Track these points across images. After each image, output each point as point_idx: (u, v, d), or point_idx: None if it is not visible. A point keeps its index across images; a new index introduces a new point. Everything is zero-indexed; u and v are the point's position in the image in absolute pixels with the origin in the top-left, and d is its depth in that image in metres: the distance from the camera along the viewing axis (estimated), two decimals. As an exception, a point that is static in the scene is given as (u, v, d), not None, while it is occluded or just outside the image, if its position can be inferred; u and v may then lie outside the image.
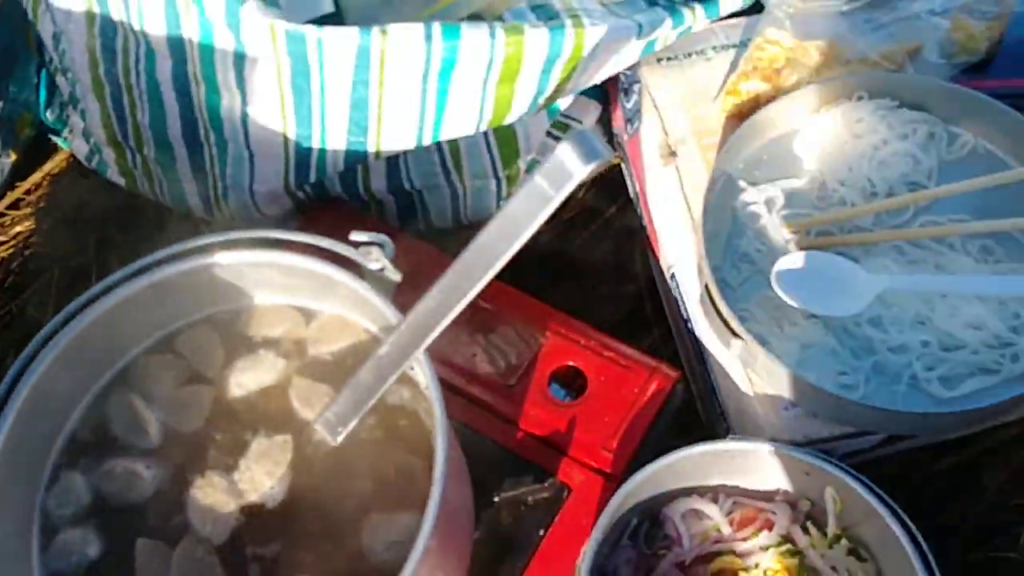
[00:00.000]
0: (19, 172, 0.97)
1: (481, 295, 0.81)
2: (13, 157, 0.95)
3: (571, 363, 0.79)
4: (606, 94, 0.93)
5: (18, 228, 0.95)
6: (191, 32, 0.66)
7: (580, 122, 0.94)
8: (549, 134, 0.93)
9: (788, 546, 0.74)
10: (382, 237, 0.63)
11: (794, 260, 0.77)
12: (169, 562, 0.59)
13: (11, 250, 0.94)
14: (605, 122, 0.96)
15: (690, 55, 0.91)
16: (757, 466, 0.74)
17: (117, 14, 0.70)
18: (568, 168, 0.52)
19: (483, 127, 0.72)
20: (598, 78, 0.73)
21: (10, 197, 0.96)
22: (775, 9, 0.81)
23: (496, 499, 0.74)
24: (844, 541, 0.73)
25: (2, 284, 0.93)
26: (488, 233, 0.55)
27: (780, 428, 0.76)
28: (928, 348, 0.75)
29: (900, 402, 0.74)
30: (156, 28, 0.68)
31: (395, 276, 0.62)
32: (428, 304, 0.58)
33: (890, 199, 0.81)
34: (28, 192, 0.97)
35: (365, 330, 0.67)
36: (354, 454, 0.63)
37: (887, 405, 0.73)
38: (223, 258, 0.63)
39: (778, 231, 0.81)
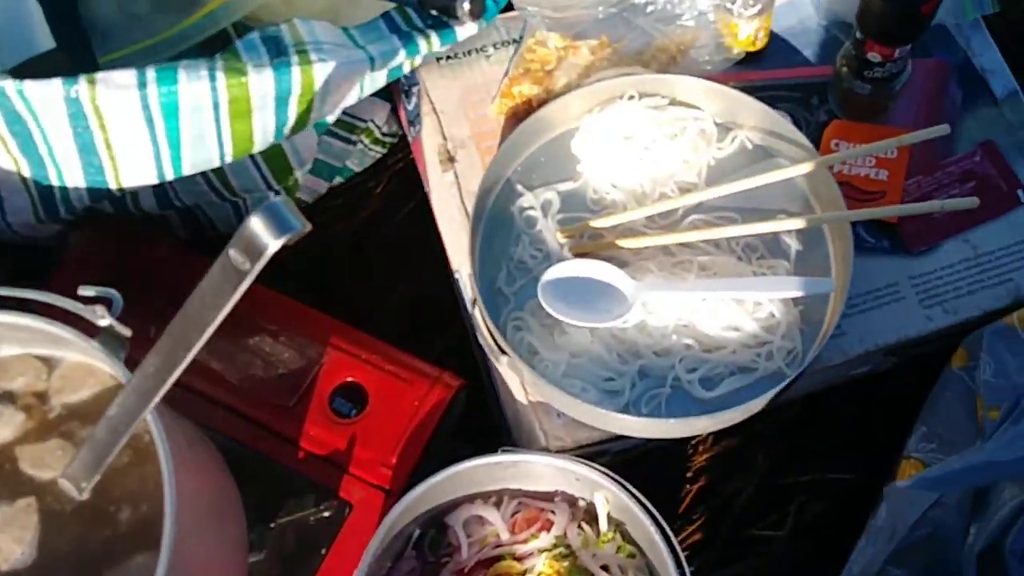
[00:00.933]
0: None
1: (261, 311, 0.83)
2: None
3: (351, 379, 0.81)
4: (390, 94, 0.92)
5: None
6: None
7: (368, 120, 0.93)
8: (335, 135, 0.93)
9: (562, 548, 0.77)
10: (111, 292, 0.62)
11: (562, 269, 0.79)
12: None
13: None
14: (396, 120, 0.95)
15: (469, 53, 0.90)
16: (532, 472, 0.77)
17: None
18: (260, 242, 0.52)
19: (228, 159, 0.70)
20: (344, 104, 0.72)
21: None
22: (530, 19, 0.81)
23: (275, 523, 0.76)
24: (615, 539, 0.77)
25: None
26: (191, 304, 0.55)
27: (552, 435, 0.78)
28: (690, 351, 0.78)
29: (664, 406, 0.77)
30: None
31: (125, 332, 0.62)
32: (147, 369, 0.58)
33: (659, 202, 0.82)
34: None
35: (111, 376, 0.67)
36: (99, 504, 0.63)
37: (652, 411, 0.76)
38: None
39: (553, 236, 0.82)
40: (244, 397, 0.79)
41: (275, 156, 0.80)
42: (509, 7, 0.87)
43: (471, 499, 0.78)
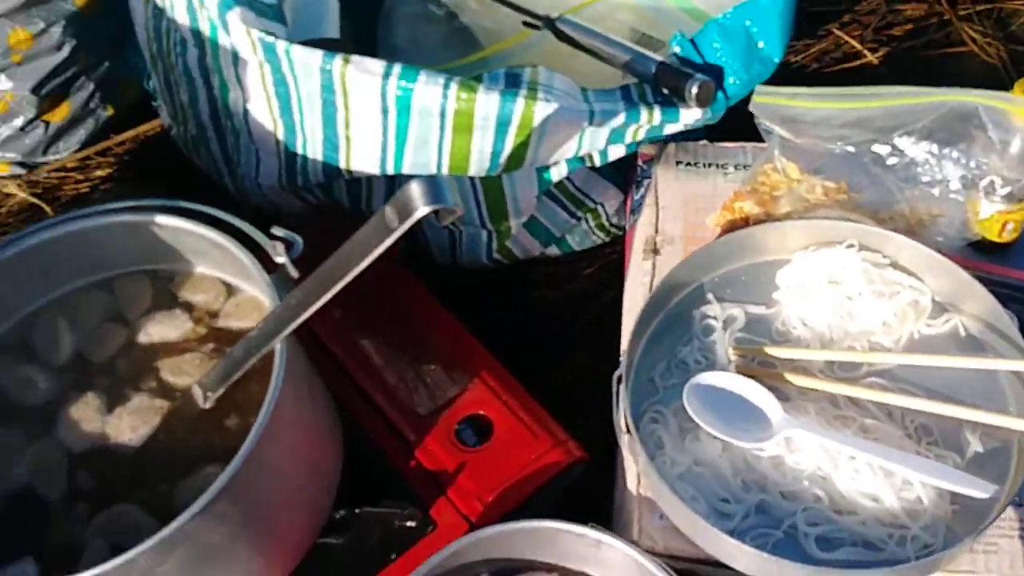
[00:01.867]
0: (117, 127, 1.11)
1: (433, 328, 0.88)
2: (111, 111, 1.09)
3: (484, 413, 0.83)
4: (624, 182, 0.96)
5: (98, 172, 1.09)
6: (204, 26, 0.76)
7: (598, 202, 0.97)
8: (562, 204, 0.97)
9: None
10: (294, 236, 0.69)
11: (717, 377, 0.77)
12: (25, 452, 0.68)
13: (87, 188, 1.08)
14: (623, 213, 0.98)
15: (709, 165, 0.92)
16: (610, 559, 0.74)
17: (154, 20, 0.81)
18: (412, 205, 0.56)
19: (444, 170, 0.77)
20: (560, 153, 0.76)
21: (101, 145, 1.10)
22: (769, 140, 0.81)
23: (362, 511, 0.78)
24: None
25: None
26: (342, 251, 0.60)
27: (646, 533, 0.75)
28: (819, 504, 0.72)
29: (771, 547, 0.71)
30: (182, 17, 0.78)
31: (294, 273, 0.68)
32: (289, 301, 0.64)
33: (843, 352, 0.79)
34: (119, 144, 1.11)
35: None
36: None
37: (757, 547, 0.71)
38: (162, 220, 0.72)
39: (725, 350, 0.81)
40: (385, 392, 0.84)
41: (494, 196, 0.86)
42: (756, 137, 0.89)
43: (542, 567, 0.77)
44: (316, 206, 0.92)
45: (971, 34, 1.10)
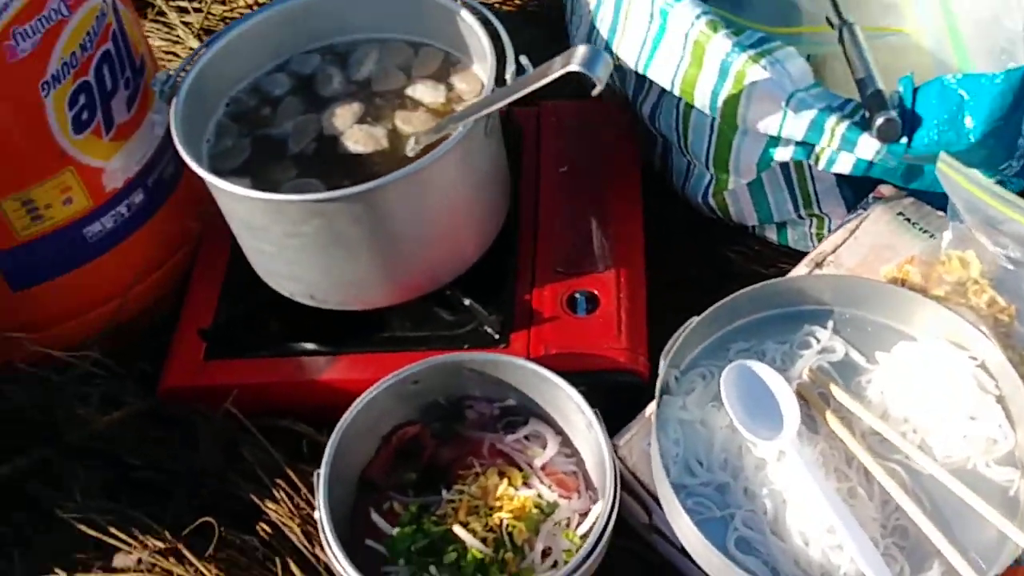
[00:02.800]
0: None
1: (621, 214, 1.02)
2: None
3: (598, 294, 0.96)
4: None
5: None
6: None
7: (826, 212, 1.02)
8: (791, 194, 1.03)
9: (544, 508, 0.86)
10: (526, 62, 0.86)
11: (766, 372, 0.83)
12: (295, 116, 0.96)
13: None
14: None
15: (925, 231, 0.94)
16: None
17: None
18: (570, 60, 0.72)
19: (676, 90, 0.89)
20: (761, 122, 0.84)
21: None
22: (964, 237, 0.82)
23: (468, 301, 0.96)
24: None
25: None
26: (523, 78, 0.79)
27: (629, 445, 0.86)
28: (763, 515, 0.79)
29: (702, 519, 0.79)
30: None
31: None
32: (483, 101, 0.83)
33: (892, 431, 0.81)
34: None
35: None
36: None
37: (693, 511, 0.79)
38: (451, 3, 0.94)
39: (804, 368, 0.86)
40: (550, 229, 1.01)
41: (722, 146, 0.96)
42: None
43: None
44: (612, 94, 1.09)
45: None
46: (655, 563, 0.89)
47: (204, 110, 0.96)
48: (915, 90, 0.81)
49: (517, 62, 0.87)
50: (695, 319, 0.88)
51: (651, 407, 0.88)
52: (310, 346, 0.97)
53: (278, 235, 0.89)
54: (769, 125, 0.86)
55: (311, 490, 0.91)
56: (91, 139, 0.96)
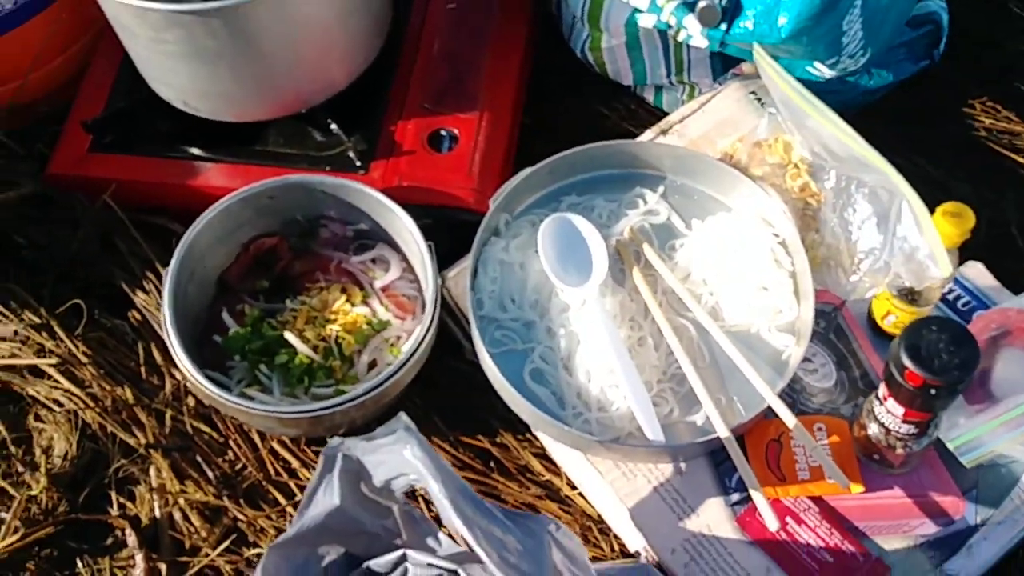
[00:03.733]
0: None
1: (502, 56, 1.04)
2: None
3: (459, 133, 1.02)
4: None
5: None
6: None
7: (695, 82, 1.07)
8: (668, 65, 1.08)
9: (374, 325, 0.95)
10: None
11: (585, 225, 0.91)
12: None
13: None
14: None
15: (761, 102, 1.00)
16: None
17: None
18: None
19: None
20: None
21: None
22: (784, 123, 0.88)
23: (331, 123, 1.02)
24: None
25: None
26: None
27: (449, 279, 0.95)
28: (557, 353, 0.88)
29: (503, 351, 0.88)
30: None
31: None
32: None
33: (687, 293, 0.90)
34: None
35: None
36: None
37: (496, 342, 0.89)
38: None
39: (627, 225, 0.94)
40: (428, 60, 1.05)
41: (595, 5, 1.00)
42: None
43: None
44: None
45: None
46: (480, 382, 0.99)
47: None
48: (750, -15, 0.85)
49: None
50: (529, 169, 0.95)
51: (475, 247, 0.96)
52: (188, 150, 1.04)
53: (145, 40, 0.94)
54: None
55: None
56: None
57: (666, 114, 1.11)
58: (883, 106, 1.06)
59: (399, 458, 0.69)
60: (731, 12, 0.85)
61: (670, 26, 0.95)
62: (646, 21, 0.97)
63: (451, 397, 0.97)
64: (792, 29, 0.84)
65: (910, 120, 1.09)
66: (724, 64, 1.05)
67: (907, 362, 0.72)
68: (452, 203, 0.99)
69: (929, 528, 0.81)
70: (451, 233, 0.98)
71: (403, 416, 0.70)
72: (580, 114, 1.15)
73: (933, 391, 0.72)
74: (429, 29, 1.09)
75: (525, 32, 1.11)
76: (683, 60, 1.07)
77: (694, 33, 0.88)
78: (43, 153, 1.11)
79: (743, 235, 0.92)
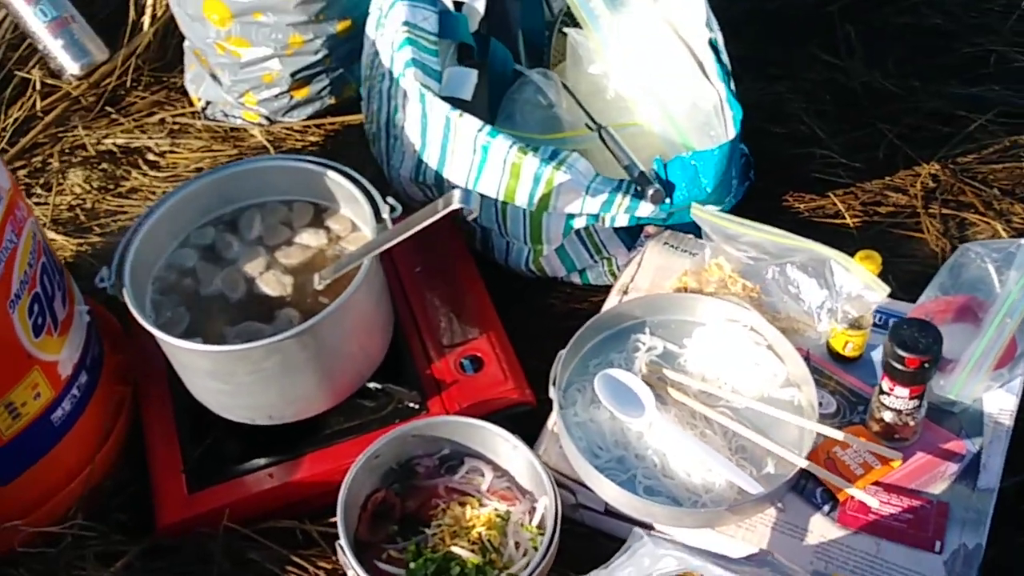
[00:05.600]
0: (332, 112, 1.64)
1: (471, 294, 1.33)
2: (333, 101, 1.62)
3: (480, 355, 1.27)
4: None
5: (311, 137, 1.61)
6: (396, 69, 1.24)
7: (612, 254, 1.40)
8: (585, 246, 1.40)
9: (500, 520, 1.16)
10: (397, 204, 1.16)
11: (621, 374, 1.18)
12: (218, 275, 1.20)
13: (300, 145, 1.60)
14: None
15: (686, 252, 1.34)
16: (514, 457, 1.17)
17: (378, 48, 1.31)
18: (451, 200, 1.02)
19: (500, 196, 1.23)
20: (569, 207, 1.21)
21: (319, 120, 1.62)
22: (711, 247, 1.24)
23: (384, 386, 1.23)
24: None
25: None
26: (411, 217, 1.07)
27: (548, 453, 1.17)
28: (654, 468, 1.13)
29: (617, 482, 1.12)
30: (386, 60, 1.27)
31: (390, 224, 1.15)
32: (377, 240, 1.11)
33: (711, 386, 1.19)
34: (331, 124, 1.63)
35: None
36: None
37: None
38: (332, 175, 1.21)
39: (641, 363, 1.22)
40: (426, 320, 1.30)
41: (535, 225, 1.32)
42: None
43: (479, 457, 1.20)
44: (427, 199, 1.40)
45: (930, 227, 1.47)
46: (583, 533, 1.20)
47: (139, 294, 1.17)
48: (664, 166, 1.21)
49: (387, 203, 1.16)
50: (562, 352, 1.21)
51: (551, 422, 1.21)
52: (273, 455, 1.20)
53: (241, 375, 1.12)
54: (572, 207, 1.23)
55: (317, 568, 1.14)
56: (46, 339, 1.13)
57: (594, 287, 1.44)
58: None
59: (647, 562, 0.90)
60: (667, 189, 1.20)
61: (598, 218, 1.27)
62: (579, 223, 1.29)
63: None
64: (712, 185, 1.21)
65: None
66: (628, 234, 1.39)
67: (904, 352, 1.05)
68: (507, 404, 1.23)
69: (952, 468, 1.13)
70: (508, 424, 1.22)
71: (634, 529, 0.92)
72: (532, 309, 1.43)
73: (926, 365, 1.06)
74: (410, 290, 1.35)
75: (475, 265, 1.40)
76: (598, 243, 1.40)
77: (645, 213, 1.22)
78: (121, 520, 1.22)
79: (723, 335, 1.23)
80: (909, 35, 1.75)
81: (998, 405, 1.18)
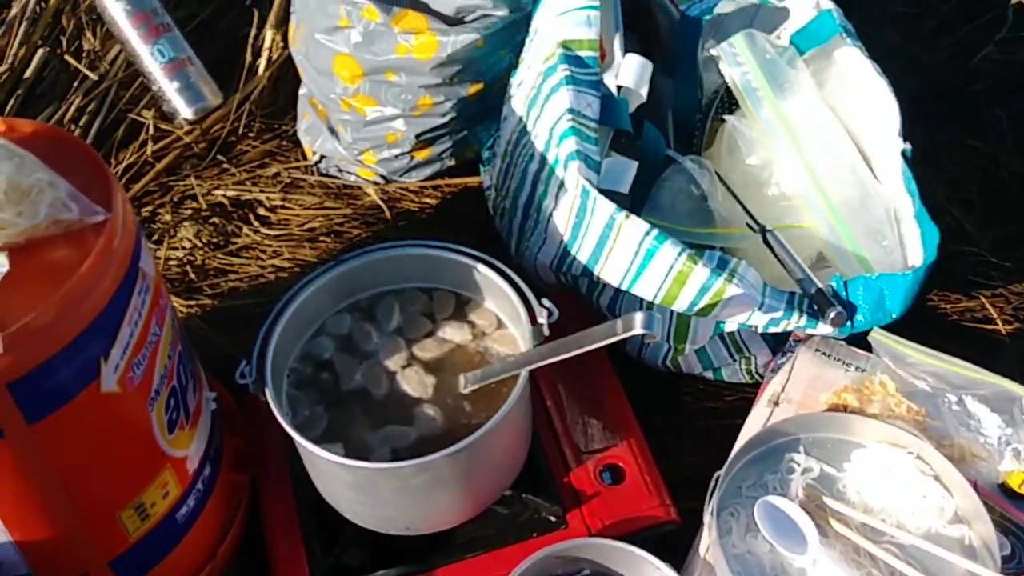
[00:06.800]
0: (451, 174, 1.56)
1: (609, 397, 1.26)
2: (453, 162, 1.54)
3: (622, 465, 1.20)
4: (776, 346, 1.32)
5: (427, 199, 1.54)
6: (551, 157, 1.17)
7: (753, 353, 1.33)
8: (726, 345, 1.33)
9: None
10: (554, 308, 1.08)
11: (783, 503, 1.11)
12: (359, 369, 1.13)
13: (416, 207, 1.53)
14: (766, 365, 1.34)
15: (839, 361, 1.26)
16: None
17: (528, 128, 1.24)
18: (633, 324, 0.95)
19: (658, 301, 1.15)
20: (735, 319, 1.13)
21: (437, 181, 1.55)
22: (878, 364, 1.16)
23: (524, 495, 1.16)
24: None
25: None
26: (582, 334, 1.00)
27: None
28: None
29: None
30: (540, 145, 1.20)
31: (546, 332, 1.08)
32: (540, 350, 1.04)
33: (876, 520, 1.11)
34: (448, 185, 1.55)
35: (518, 350, 1.14)
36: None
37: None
38: (482, 268, 1.13)
39: (797, 487, 1.14)
40: (564, 427, 1.23)
41: (682, 325, 1.24)
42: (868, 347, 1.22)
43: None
44: (561, 286, 1.33)
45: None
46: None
47: (276, 390, 1.10)
48: (845, 284, 1.14)
49: (543, 306, 1.09)
50: (718, 473, 1.14)
51: (703, 549, 1.13)
52: (402, 568, 1.13)
53: (386, 490, 1.05)
54: (739, 319, 1.15)
55: None
56: (179, 434, 1.06)
57: (729, 383, 1.36)
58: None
59: None
60: (848, 310, 1.12)
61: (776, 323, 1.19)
62: (731, 327, 1.21)
63: None
64: (900, 311, 1.13)
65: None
66: (772, 335, 1.31)
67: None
68: (652, 523, 1.16)
69: None
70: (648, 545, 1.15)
71: None
72: (669, 407, 1.36)
73: None
74: (543, 383, 1.27)
75: (607, 361, 1.33)
76: (739, 342, 1.33)
77: (823, 333, 1.14)
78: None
79: (886, 461, 1.15)
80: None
81: None
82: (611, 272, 1.17)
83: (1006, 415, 1.11)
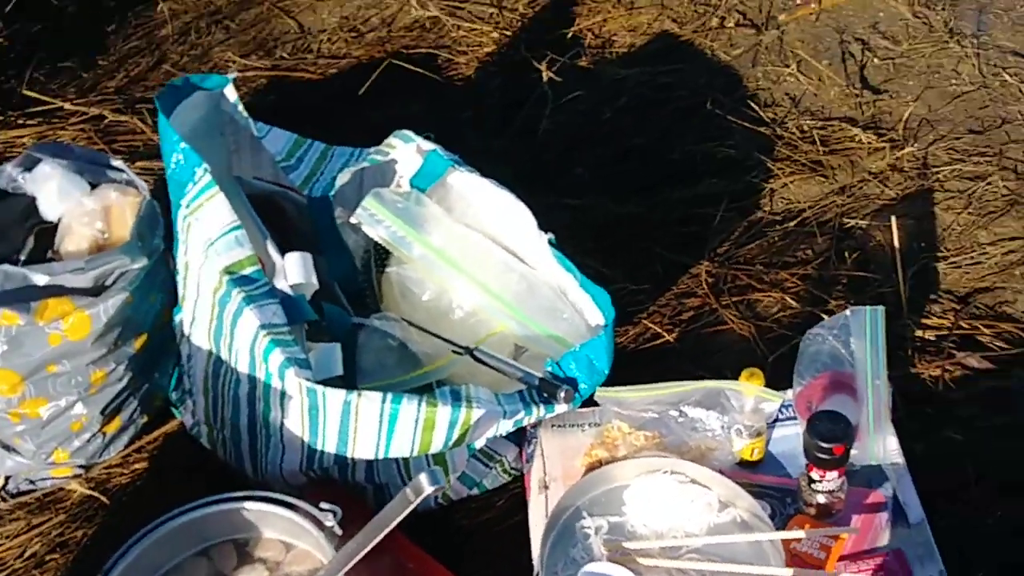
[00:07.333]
0: (147, 429, 1.52)
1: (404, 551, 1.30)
2: (145, 418, 1.50)
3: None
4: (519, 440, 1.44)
5: (136, 465, 1.48)
6: (261, 374, 1.21)
7: (503, 455, 1.44)
8: (479, 459, 1.43)
9: None
10: (336, 508, 1.12)
11: (596, 566, 1.23)
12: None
13: (128, 479, 1.47)
14: (520, 460, 1.45)
15: (573, 426, 1.42)
16: None
17: (224, 357, 1.27)
18: (423, 487, 1.02)
19: (415, 453, 1.22)
20: (486, 436, 1.24)
21: (137, 444, 1.50)
22: (607, 411, 1.33)
23: None
24: None
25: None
26: (380, 516, 1.05)
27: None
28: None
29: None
30: (244, 367, 1.23)
31: (338, 531, 1.11)
32: (347, 550, 1.07)
33: (669, 540, 1.27)
34: (150, 443, 1.51)
35: (322, 560, 1.15)
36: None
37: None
38: (249, 505, 1.13)
39: (599, 547, 1.27)
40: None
41: (440, 460, 1.32)
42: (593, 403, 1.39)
43: None
44: (312, 480, 1.35)
45: (730, 317, 1.67)
46: None
47: None
48: (557, 364, 1.28)
49: (323, 508, 1.12)
50: (537, 571, 1.22)
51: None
52: None
53: None
54: (489, 434, 1.26)
55: None
56: None
57: (495, 490, 1.46)
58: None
59: None
60: (571, 384, 1.26)
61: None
62: (480, 443, 1.31)
63: None
64: (607, 368, 1.30)
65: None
66: (514, 432, 1.43)
67: (828, 444, 1.20)
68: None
69: (884, 516, 1.29)
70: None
71: None
72: (456, 542, 1.42)
73: (848, 446, 1.21)
74: None
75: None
76: (488, 451, 1.43)
77: (559, 410, 1.27)
78: None
79: (651, 486, 1.31)
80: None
81: (886, 447, 1.36)
82: (362, 449, 1.23)
83: (718, 408, 1.32)
